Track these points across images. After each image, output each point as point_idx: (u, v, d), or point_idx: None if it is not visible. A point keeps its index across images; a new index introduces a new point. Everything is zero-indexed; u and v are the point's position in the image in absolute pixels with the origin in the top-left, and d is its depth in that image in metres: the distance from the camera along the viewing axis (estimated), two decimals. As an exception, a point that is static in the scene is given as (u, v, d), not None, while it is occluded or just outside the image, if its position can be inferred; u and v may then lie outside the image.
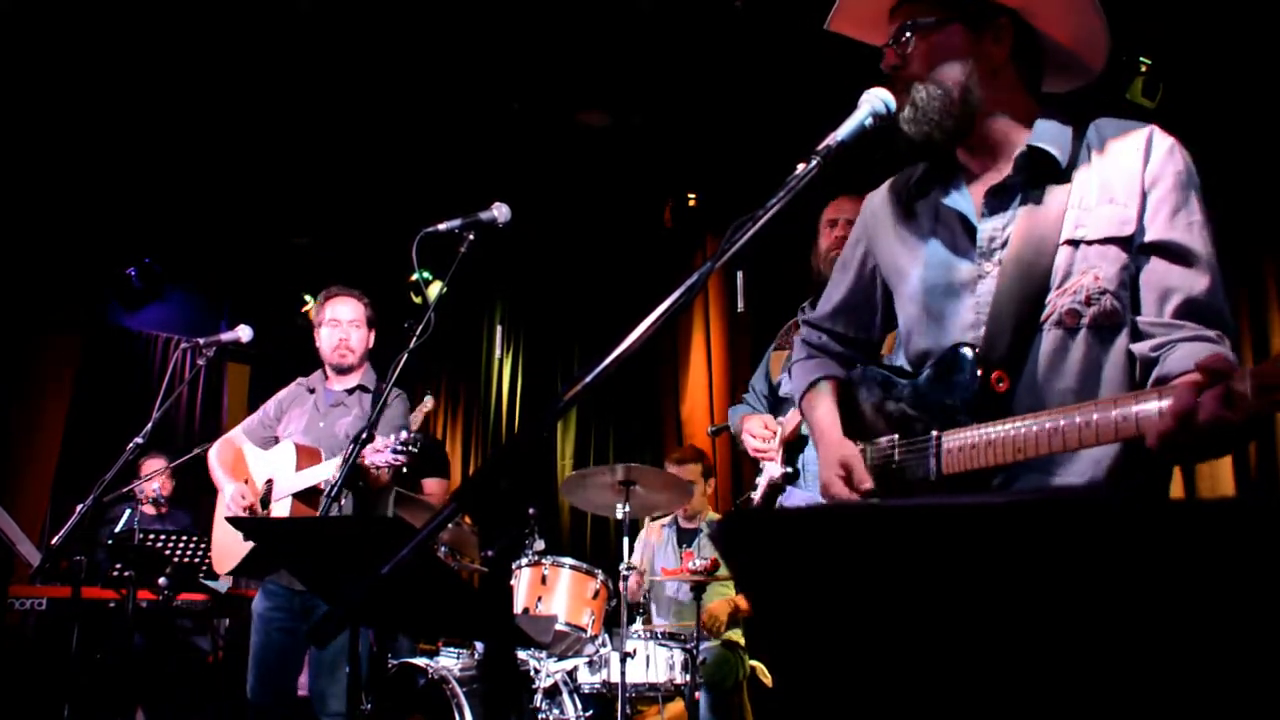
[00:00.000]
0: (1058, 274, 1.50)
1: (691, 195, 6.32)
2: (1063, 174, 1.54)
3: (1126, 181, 1.50)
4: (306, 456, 3.22)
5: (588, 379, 1.12)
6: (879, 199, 1.80)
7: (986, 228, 1.58)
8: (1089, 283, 1.48)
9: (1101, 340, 1.50)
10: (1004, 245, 1.55)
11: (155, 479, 5.40)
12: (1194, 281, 1.45)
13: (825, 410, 1.79)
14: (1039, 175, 1.55)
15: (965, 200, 1.62)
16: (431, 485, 5.00)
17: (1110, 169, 1.52)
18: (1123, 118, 1.59)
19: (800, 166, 1.34)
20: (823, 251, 2.93)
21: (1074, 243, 1.50)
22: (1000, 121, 1.59)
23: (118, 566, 4.86)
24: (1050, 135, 1.55)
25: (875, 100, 1.45)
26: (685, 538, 4.67)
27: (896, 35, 1.58)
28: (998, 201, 1.58)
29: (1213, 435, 1.18)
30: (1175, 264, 1.46)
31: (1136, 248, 1.49)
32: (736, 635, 4.42)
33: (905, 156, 1.64)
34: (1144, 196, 1.49)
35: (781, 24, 4.51)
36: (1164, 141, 1.52)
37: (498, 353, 7.97)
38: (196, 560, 4.89)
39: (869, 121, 1.44)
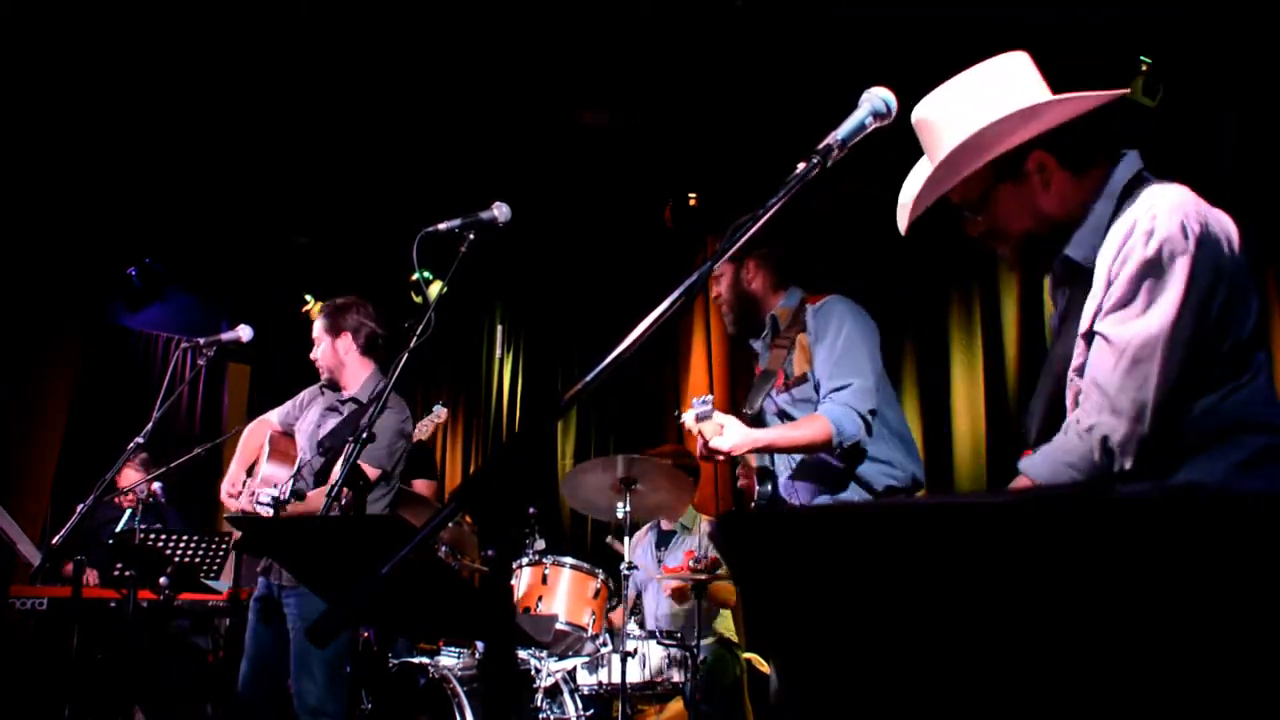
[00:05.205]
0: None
1: (691, 195, 6.31)
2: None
3: (1103, 272, 1.64)
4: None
5: (587, 379, 1.12)
6: None
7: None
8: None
9: None
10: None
11: (141, 487, 5.35)
12: (1093, 367, 1.61)
13: None
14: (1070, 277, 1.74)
15: None
16: (421, 486, 5.04)
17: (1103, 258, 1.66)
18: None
19: (800, 166, 1.34)
20: None
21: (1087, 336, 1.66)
22: None
23: (118, 566, 4.85)
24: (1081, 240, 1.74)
25: (876, 99, 1.44)
26: (663, 539, 4.65)
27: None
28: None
29: None
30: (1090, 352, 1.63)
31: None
32: (732, 634, 4.42)
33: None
34: (1107, 285, 1.62)
35: (782, 24, 4.50)
36: (1145, 224, 1.60)
37: (498, 353, 7.96)
38: (196, 560, 4.88)
39: (869, 120, 1.43)
